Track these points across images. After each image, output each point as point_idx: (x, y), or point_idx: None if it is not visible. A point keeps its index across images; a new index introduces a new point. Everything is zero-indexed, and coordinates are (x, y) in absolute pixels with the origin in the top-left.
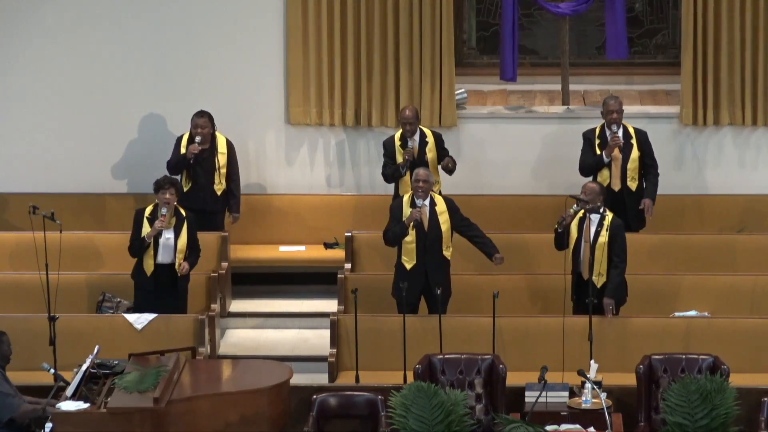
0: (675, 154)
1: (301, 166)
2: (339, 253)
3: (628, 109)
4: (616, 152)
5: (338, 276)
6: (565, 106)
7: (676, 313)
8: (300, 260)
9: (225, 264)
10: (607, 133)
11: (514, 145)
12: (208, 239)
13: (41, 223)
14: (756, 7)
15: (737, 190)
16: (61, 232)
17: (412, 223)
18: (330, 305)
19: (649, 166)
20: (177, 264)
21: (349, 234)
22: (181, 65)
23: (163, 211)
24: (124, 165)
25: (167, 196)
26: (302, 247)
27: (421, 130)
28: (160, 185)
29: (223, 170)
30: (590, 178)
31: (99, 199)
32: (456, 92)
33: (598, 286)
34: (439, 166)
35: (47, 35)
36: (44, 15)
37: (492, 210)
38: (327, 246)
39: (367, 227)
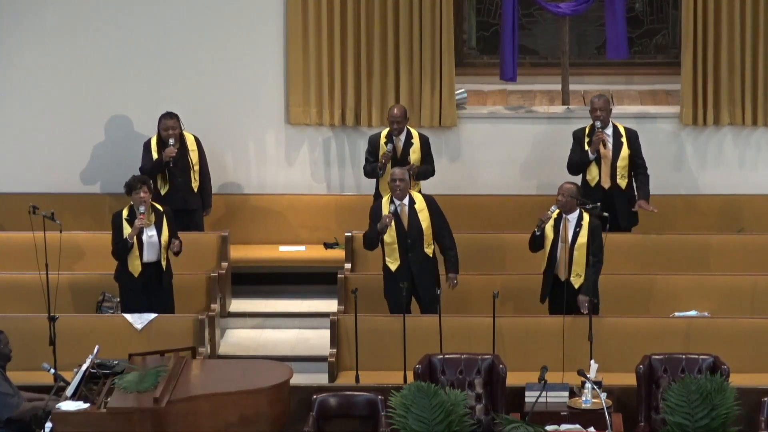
0: (675, 154)
1: (301, 166)
2: (339, 253)
3: (628, 109)
4: (606, 152)
5: (338, 276)
6: (565, 106)
7: (676, 313)
8: (300, 260)
9: (225, 264)
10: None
11: (514, 145)
12: (208, 239)
13: (41, 223)
14: (756, 7)
15: (737, 190)
16: (61, 232)
17: (384, 228)
18: (330, 305)
19: (638, 166)
20: (162, 258)
21: (349, 234)
22: (181, 65)
23: (141, 209)
24: (124, 165)
25: (141, 195)
26: (302, 247)
27: (408, 130)
28: (132, 186)
29: (197, 167)
30: (578, 178)
31: (99, 199)
32: (456, 92)
33: (576, 287)
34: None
35: (47, 35)
36: (44, 16)
37: (491, 210)
38: (327, 246)
39: (366, 227)
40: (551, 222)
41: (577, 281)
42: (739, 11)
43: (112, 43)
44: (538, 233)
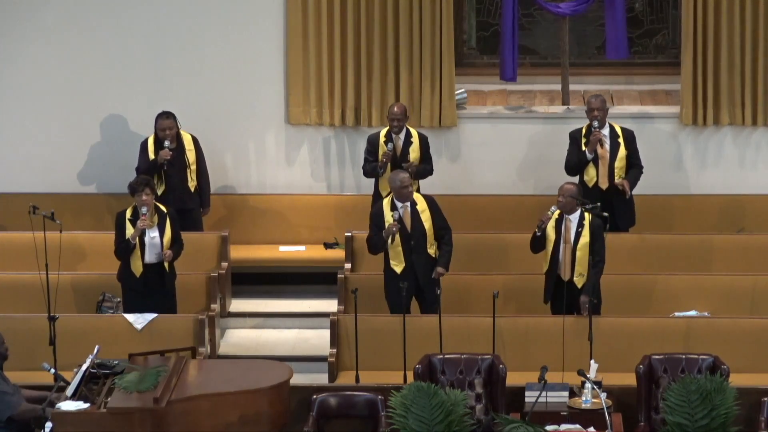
0: (675, 154)
1: (301, 166)
2: (339, 253)
3: (628, 109)
4: (604, 151)
5: (338, 276)
6: (565, 106)
7: (676, 313)
8: (300, 260)
9: (225, 264)
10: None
11: (514, 146)
12: (208, 239)
13: (41, 223)
14: (756, 7)
15: (737, 190)
16: (61, 232)
17: (390, 236)
18: (330, 305)
19: (633, 165)
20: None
21: (349, 234)
22: (181, 65)
23: (143, 210)
24: (125, 165)
25: (144, 197)
26: (302, 247)
27: (407, 129)
28: (134, 188)
29: (194, 167)
30: (576, 178)
31: (99, 199)
32: (456, 92)
33: (579, 286)
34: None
35: (47, 35)
36: (44, 15)
37: (491, 210)
38: (327, 246)
39: (366, 227)
40: (552, 223)
41: (580, 281)
42: (739, 11)
43: (112, 44)
44: (539, 234)
